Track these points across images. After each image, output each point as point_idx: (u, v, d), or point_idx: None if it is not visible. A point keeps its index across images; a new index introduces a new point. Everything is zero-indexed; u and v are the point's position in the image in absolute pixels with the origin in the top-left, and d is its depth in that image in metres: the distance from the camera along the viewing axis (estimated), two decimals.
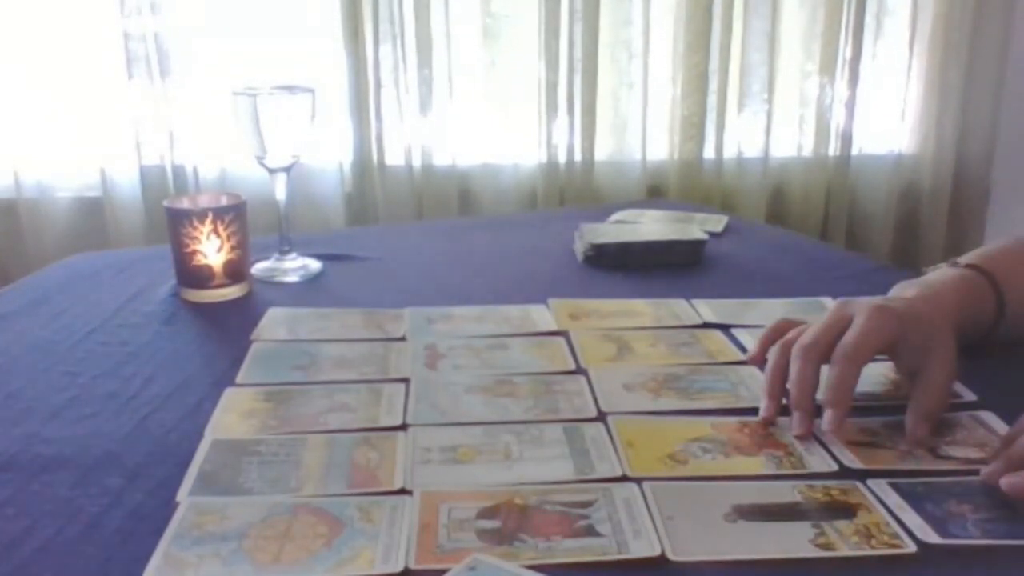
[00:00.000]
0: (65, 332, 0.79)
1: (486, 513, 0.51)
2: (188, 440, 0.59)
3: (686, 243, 1.02)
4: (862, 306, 0.63)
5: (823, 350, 0.61)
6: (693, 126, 2.11)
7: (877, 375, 0.69)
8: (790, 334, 0.65)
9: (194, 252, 0.86)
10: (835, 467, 0.56)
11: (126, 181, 1.97)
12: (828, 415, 0.59)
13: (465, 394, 0.66)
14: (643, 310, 0.85)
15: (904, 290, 0.69)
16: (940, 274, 0.72)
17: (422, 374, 0.70)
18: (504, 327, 0.80)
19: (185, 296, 0.88)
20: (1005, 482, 0.52)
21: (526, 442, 0.59)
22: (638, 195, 2.08)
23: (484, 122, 2.07)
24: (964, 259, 0.73)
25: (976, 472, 0.55)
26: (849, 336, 0.61)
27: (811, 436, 0.60)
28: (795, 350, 0.62)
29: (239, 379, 0.69)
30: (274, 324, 0.81)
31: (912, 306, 0.64)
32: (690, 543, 0.48)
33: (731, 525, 0.50)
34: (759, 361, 0.68)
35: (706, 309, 0.84)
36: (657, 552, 0.47)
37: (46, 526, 0.50)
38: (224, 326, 0.82)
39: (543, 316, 0.83)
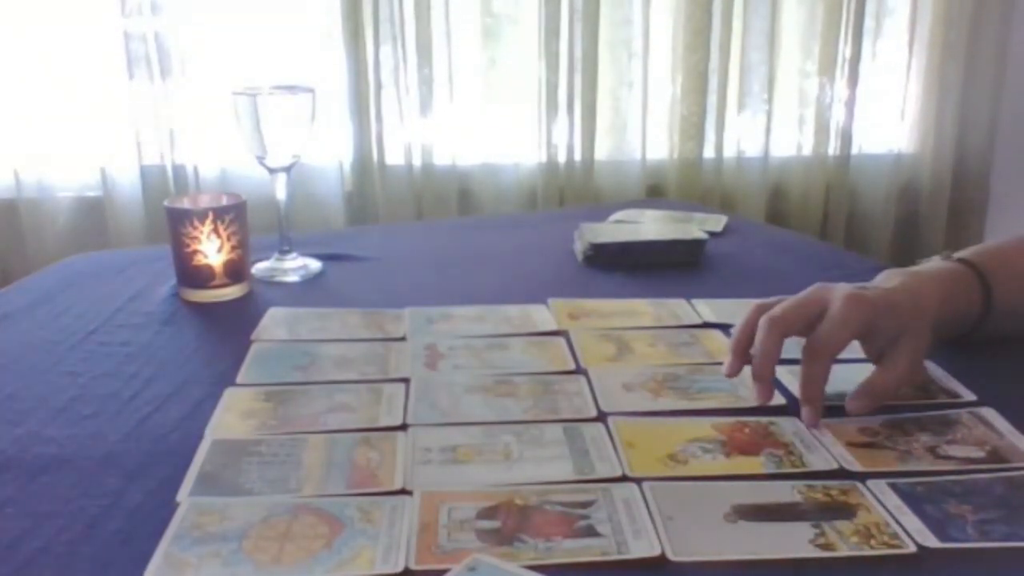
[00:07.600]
0: (65, 332, 0.79)
1: (486, 513, 0.51)
2: (188, 440, 0.59)
3: (686, 243, 1.02)
4: (838, 293, 0.63)
5: (789, 325, 0.63)
6: (693, 126, 2.11)
7: None
8: (770, 300, 0.66)
9: (194, 252, 0.86)
10: (835, 467, 0.56)
11: (126, 181, 1.97)
12: (804, 412, 0.61)
13: (465, 394, 0.66)
14: (643, 310, 0.85)
15: (890, 279, 0.69)
16: (929, 266, 0.72)
17: (422, 374, 0.70)
18: (504, 327, 0.80)
19: (185, 296, 0.88)
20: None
21: (526, 442, 0.59)
22: (638, 195, 2.08)
23: (484, 122, 2.07)
24: (958, 253, 0.74)
25: (976, 472, 0.55)
26: (820, 330, 0.62)
27: (768, 400, 0.63)
28: (762, 321, 0.63)
29: (239, 379, 0.69)
30: (274, 324, 0.81)
31: (890, 295, 0.64)
32: (690, 543, 0.48)
33: (731, 525, 0.50)
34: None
35: (706, 309, 0.84)
36: (657, 552, 0.47)
37: (46, 526, 0.50)
38: (224, 326, 0.82)
39: (543, 316, 0.83)
